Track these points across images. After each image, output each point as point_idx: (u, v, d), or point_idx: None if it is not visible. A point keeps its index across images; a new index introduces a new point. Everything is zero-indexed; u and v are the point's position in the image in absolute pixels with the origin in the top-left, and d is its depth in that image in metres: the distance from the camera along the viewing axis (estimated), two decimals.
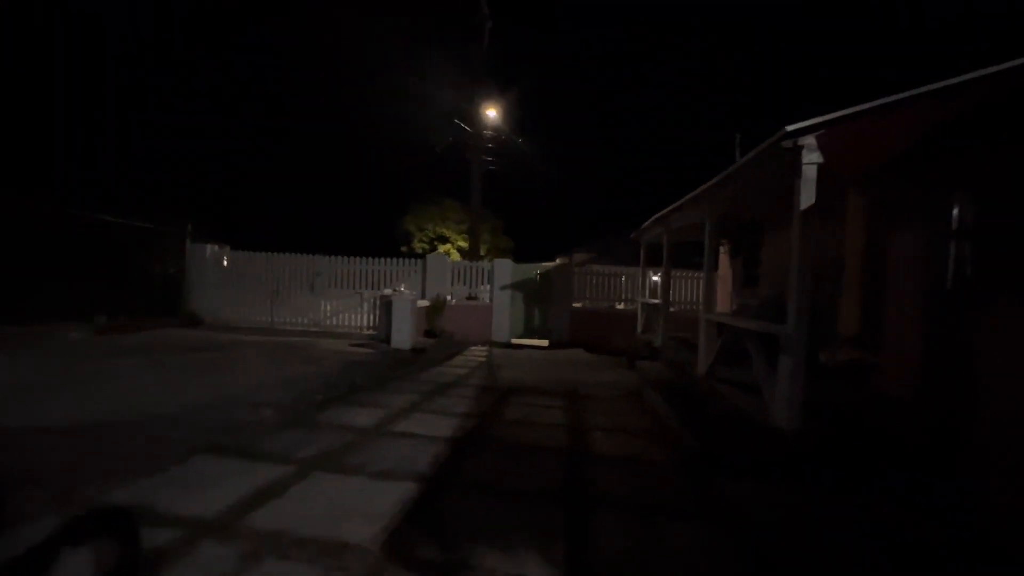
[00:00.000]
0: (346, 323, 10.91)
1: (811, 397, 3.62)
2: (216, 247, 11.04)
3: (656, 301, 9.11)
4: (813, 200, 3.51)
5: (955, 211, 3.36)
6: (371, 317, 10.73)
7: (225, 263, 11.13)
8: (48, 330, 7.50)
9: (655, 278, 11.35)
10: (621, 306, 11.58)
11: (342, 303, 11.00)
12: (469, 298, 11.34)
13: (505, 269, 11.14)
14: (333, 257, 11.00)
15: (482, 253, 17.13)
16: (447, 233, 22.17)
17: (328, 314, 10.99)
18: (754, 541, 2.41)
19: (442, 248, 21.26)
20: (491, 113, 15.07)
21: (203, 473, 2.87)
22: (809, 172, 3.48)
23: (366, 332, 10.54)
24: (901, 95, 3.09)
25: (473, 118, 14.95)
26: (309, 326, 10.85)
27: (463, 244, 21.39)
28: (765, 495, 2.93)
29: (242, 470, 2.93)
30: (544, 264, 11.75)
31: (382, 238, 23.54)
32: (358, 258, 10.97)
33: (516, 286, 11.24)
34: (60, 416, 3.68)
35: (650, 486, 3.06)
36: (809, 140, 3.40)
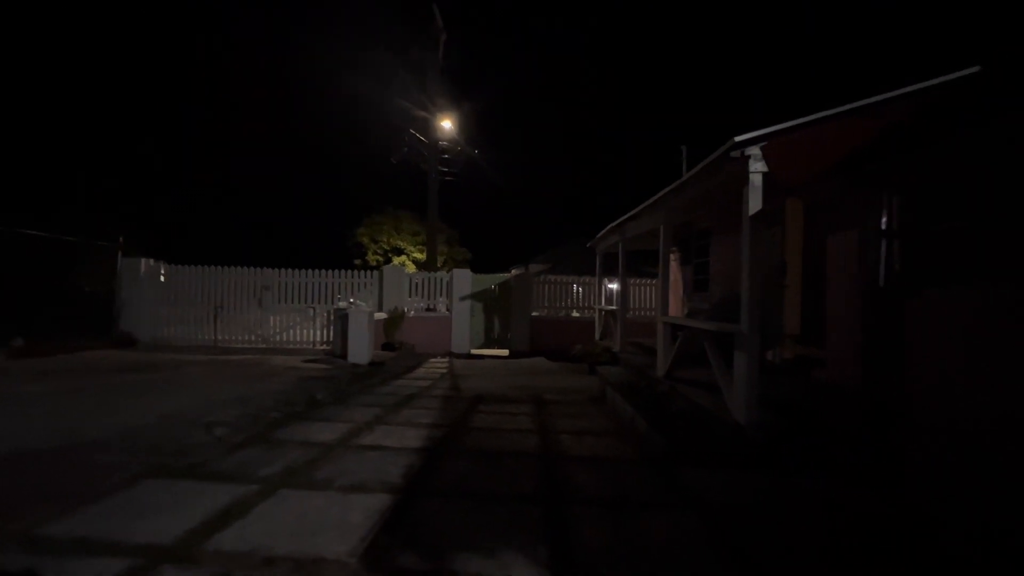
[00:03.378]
0: (298, 338, 10.45)
1: (763, 392, 3.84)
2: (151, 261, 10.32)
3: (613, 308, 9.38)
4: (760, 206, 3.77)
5: (884, 214, 3.73)
6: (325, 332, 10.35)
7: (162, 279, 10.42)
8: None
9: (611, 286, 11.68)
10: (578, 314, 11.82)
11: (293, 318, 10.55)
12: (428, 310, 11.19)
13: (464, 280, 11.11)
14: (282, 270, 10.55)
15: (438, 264, 16.99)
16: (402, 245, 21.81)
17: (278, 330, 10.50)
18: (722, 524, 2.52)
19: (397, 260, 20.89)
20: (447, 124, 15.10)
21: (154, 497, 2.66)
22: (755, 180, 3.75)
23: (320, 347, 10.16)
24: (834, 110, 3.41)
25: (429, 129, 14.92)
26: (258, 343, 10.31)
27: (419, 256, 21.12)
28: (728, 483, 3.08)
29: (199, 492, 2.74)
30: (502, 274, 11.82)
31: (335, 250, 22.82)
32: (310, 271, 10.58)
33: (475, 296, 11.22)
34: None
35: (621, 482, 3.13)
36: (755, 150, 3.67)
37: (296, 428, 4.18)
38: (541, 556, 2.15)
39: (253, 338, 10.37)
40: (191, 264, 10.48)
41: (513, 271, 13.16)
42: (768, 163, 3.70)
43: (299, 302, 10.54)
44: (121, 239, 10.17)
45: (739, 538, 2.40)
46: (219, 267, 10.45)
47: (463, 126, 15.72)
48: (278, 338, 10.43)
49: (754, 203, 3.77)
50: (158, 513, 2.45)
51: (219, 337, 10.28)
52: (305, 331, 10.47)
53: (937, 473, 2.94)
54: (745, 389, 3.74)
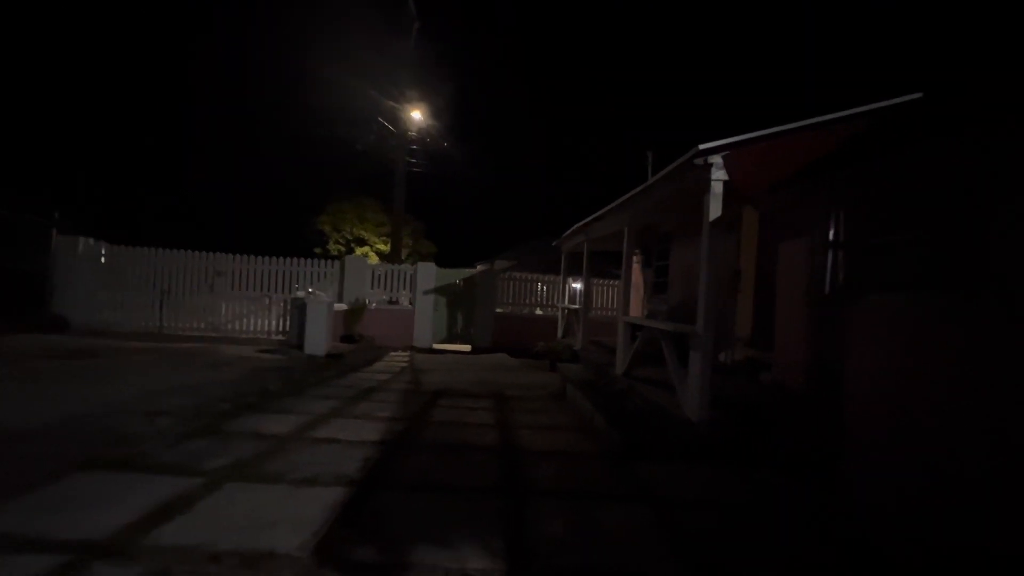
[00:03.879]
0: (252, 328, 10.03)
1: (715, 392, 4.01)
2: (91, 241, 9.62)
3: (576, 307, 9.53)
4: (719, 213, 3.92)
5: (831, 225, 3.96)
6: (281, 322, 9.98)
7: (103, 260, 9.74)
8: None
9: (575, 285, 11.86)
10: (541, 312, 11.92)
11: (247, 306, 10.11)
12: (390, 302, 11.00)
13: (429, 273, 10.98)
14: (237, 256, 10.08)
15: (403, 257, 16.70)
16: (366, 235, 21.26)
17: (231, 318, 10.03)
18: (673, 514, 2.62)
19: (360, 251, 20.36)
20: (416, 115, 14.84)
21: (88, 490, 2.49)
22: (716, 188, 3.89)
23: (275, 338, 9.79)
24: (790, 124, 3.60)
25: (398, 119, 14.62)
26: (208, 331, 9.82)
27: (382, 247, 20.65)
28: (681, 476, 3.20)
29: (138, 484, 2.58)
30: (468, 270, 11.77)
31: (294, 238, 21.94)
32: (266, 257, 10.17)
33: (439, 291, 11.11)
34: None
35: (579, 475, 3.19)
36: (717, 159, 3.81)
37: (247, 420, 4.01)
38: (498, 547, 2.16)
39: (203, 326, 9.86)
40: (136, 245, 9.85)
41: (479, 266, 13.12)
42: (729, 172, 3.85)
43: (254, 290, 10.11)
44: (56, 214, 9.44)
45: (688, 527, 2.50)
46: (167, 250, 9.87)
47: (434, 118, 15.50)
48: (230, 327, 9.97)
49: (714, 210, 3.91)
50: (92, 507, 2.30)
51: (165, 324, 9.72)
52: (260, 320, 10.06)
53: (870, 470, 3.16)
54: (698, 388, 3.88)
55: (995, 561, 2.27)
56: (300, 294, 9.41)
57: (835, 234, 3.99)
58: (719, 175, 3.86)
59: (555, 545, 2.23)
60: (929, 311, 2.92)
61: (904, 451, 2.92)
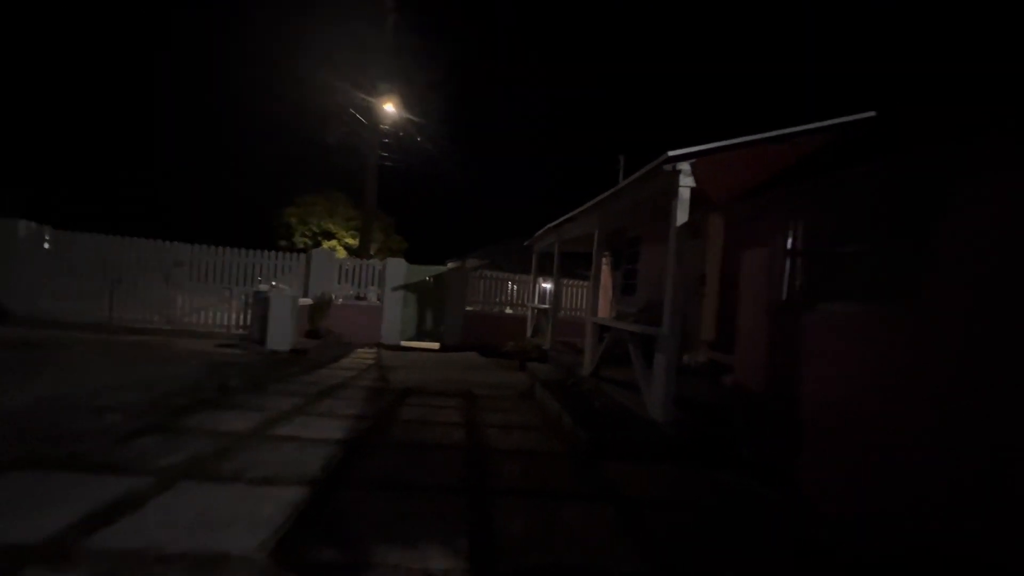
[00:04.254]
0: (210, 321, 9.63)
1: (678, 393, 4.12)
2: (34, 225, 9.01)
3: (546, 307, 9.60)
4: (687, 219, 4.03)
5: (790, 235, 4.14)
6: (242, 316, 9.62)
7: (47, 245, 9.15)
8: None
9: (545, 285, 11.94)
10: (511, 311, 11.95)
11: (206, 299, 9.70)
12: (358, 298, 10.79)
13: (398, 269, 10.83)
14: (196, 245, 9.65)
15: (372, 252, 16.41)
16: (334, 229, 20.75)
17: (188, 311, 9.61)
18: (638, 512, 2.68)
19: (327, 244, 19.84)
20: (389, 108, 14.58)
21: (23, 490, 2.34)
22: (684, 193, 4.00)
23: (235, 332, 9.43)
24: (755, 136, 3.74)
25: (371, 111, 14.32)
26: (163, 324, 9.37)
27: (351, 241, 20.21)
28: (646, 476, 3.27)
29: (82, 484, 2.45)
30: (438, 267, 11.67)
31: (260, 231, 21.19)
32: (228, 248, 9.78)
33: (409, 287, 10.98)
34: None
35: (546, 474, 3.22)
36: (685, 166, 3.92)
37: (203, 416, 3.86)
38: (462, 546, 2.16)
39: (157, 318, 9.41)
40: (86, 231, 9.30)
41: (449, 264, 13.03)
42: (696, 178, 3.96)
43: (215, 282, 9.71)
44: None
45: (653, 526, 2.56)
46: (119, 237, 9.36)
47: (407, 112, 15.27)
48: (187, 320, 9.54)
49: (681, 215, 4.02)
50: (29, 508, 2.16)
51: (115, 315, 9.20)
52: (220, 314, 9.67)
53: (821, 471, 3.32)
54: (662, 389, 3.98)
55: (941, 561, 2.42)
56: (263, 287, 9.09)
57: (794, 243, 4.16)
58: (687, 181, 3.97)
59: (521, 544, 2.25)
60: (871, 319, 3.09)
61: (853, 453, 3.08)
